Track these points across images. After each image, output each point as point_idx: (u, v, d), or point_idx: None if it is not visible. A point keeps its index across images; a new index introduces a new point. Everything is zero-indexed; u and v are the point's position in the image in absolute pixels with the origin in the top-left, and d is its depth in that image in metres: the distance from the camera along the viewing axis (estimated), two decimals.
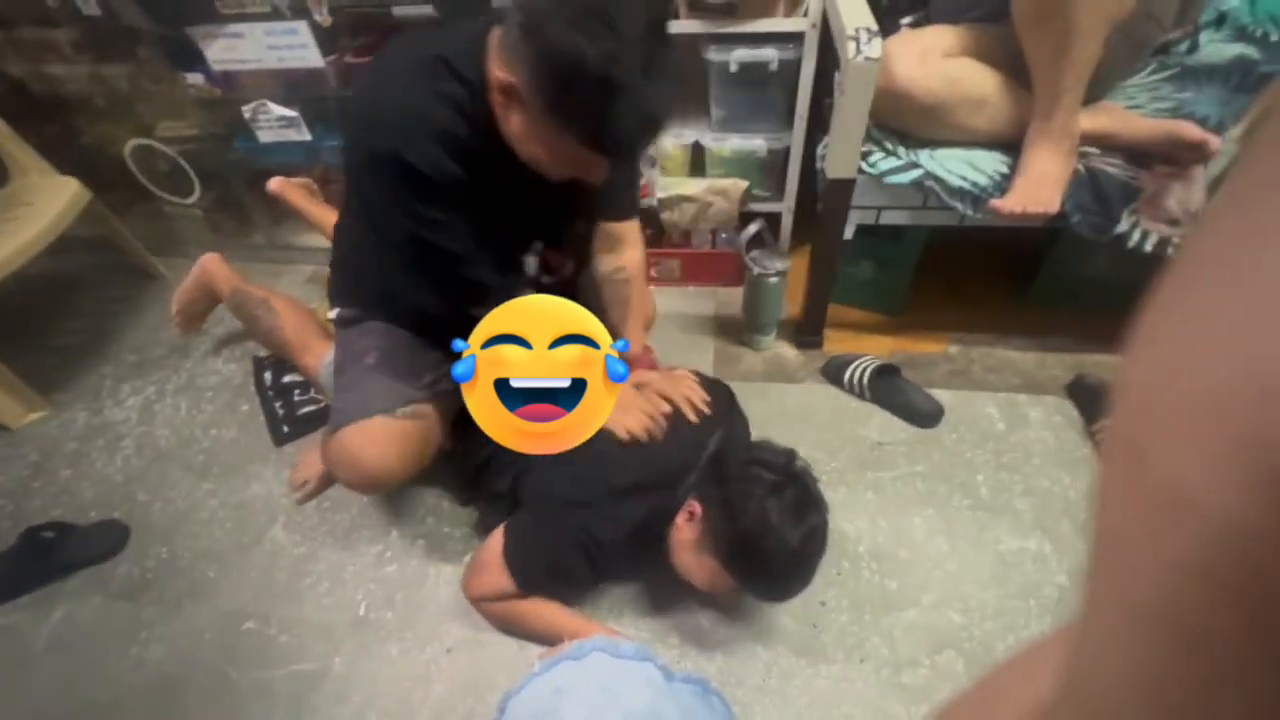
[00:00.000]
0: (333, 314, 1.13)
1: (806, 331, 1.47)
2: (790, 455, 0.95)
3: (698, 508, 0.93)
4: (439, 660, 1.04)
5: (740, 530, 0.87)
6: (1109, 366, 1.37)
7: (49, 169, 1.54)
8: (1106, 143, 1.13)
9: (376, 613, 1.10)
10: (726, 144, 1.48)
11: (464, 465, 1.17)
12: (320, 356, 1.25)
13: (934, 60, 1.11)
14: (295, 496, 1.25)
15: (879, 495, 1.21)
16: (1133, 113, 1.16)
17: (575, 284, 1.13)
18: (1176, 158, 1.09)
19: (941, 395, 1.34)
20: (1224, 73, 1.20)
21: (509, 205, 0.92)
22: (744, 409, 1.17)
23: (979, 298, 1.54)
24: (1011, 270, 1.58)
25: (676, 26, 1.31)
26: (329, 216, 1.34)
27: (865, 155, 1.18)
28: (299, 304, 1.39)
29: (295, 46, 1.37)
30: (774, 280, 1.38)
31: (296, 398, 1.43)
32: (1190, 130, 1.07)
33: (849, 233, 1.28)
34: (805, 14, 1.27)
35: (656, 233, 1.64)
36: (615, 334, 0.87)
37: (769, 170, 1.53)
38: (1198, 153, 1.07)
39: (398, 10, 1.33)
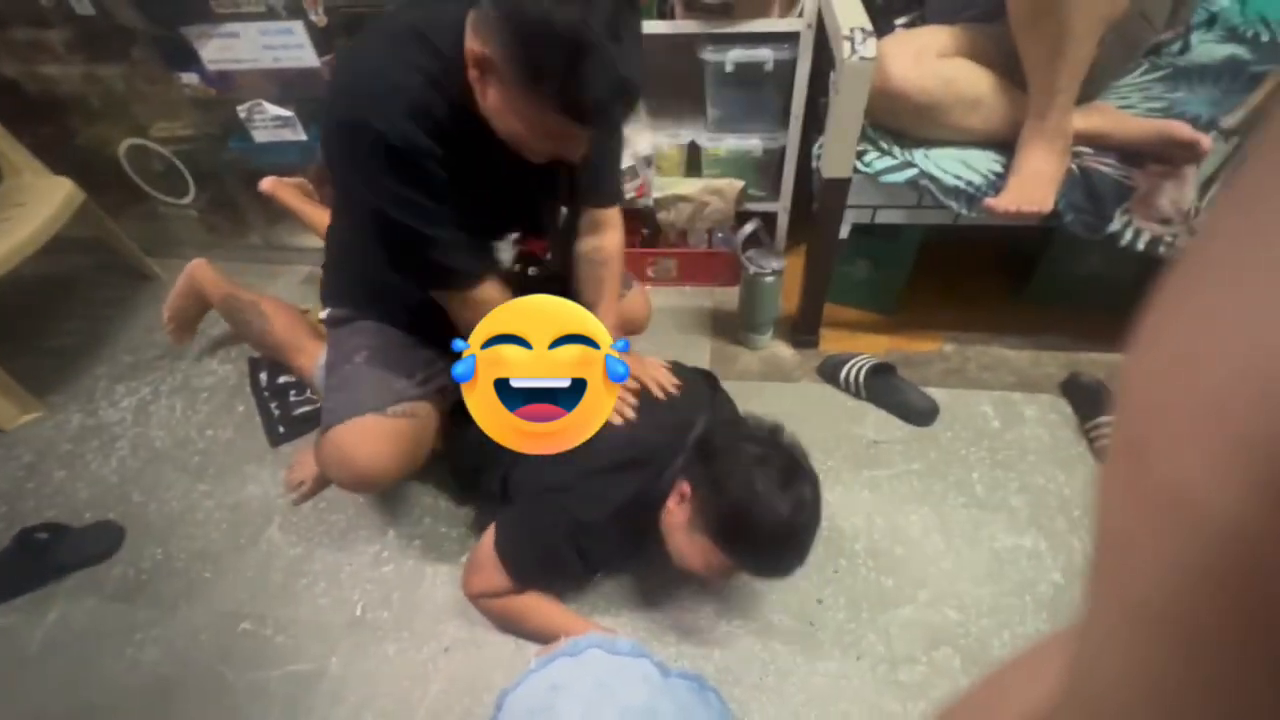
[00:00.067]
0: (324, 314, 1.12)
1: (802, 331, 1.48)
2: (776, 428, 0.95)
3: (687, 488, 0.93)
4: (436, 660, 1.03)
5: (727, 502, 0.87)
6: (1103, 365, 1.38)
7: (43, 169, 1.53)
8: (1099, 142, 1.14)
9: (373, 613, 1.09)
10: (722, 144, 1.49)
11: (459, 467, 1.17)
12: (314, 357, 1.25)
13: (928, 60, 1.12)
14: (291, 497, 1.25)
15: (875, 493, 1.22)
16: (1125, 112, 1.17)
17: (565, 278, 1.13)
18: (1169, 157, 1.10)
19: (937, 394, 1.35)
20: (1215, 73, 1.21)
21: (484, 189, 0.89)
22: (741, 408, 1.17)
23: (974, 296, 1.55)
24: (1006, 269, 1.59)
25: (672, 27, 1.31)
26: (322, 216, 1.34)
27: (860, 155, 1.18)
28: (289, 306, 1.38)
29: (290, 46, 1.37)
30: (770, 280, 1.38)
31: (292, 398, 1.42)
32: (1182, 130, 1.07)
33: (844, 232, 1.28)
34: (800, 14, 1.28)
35: (653, 233, 1.64)
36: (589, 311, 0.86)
37: (765, 170, 1.53)
38: (1189, 152, 1.08)
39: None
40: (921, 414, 1.32)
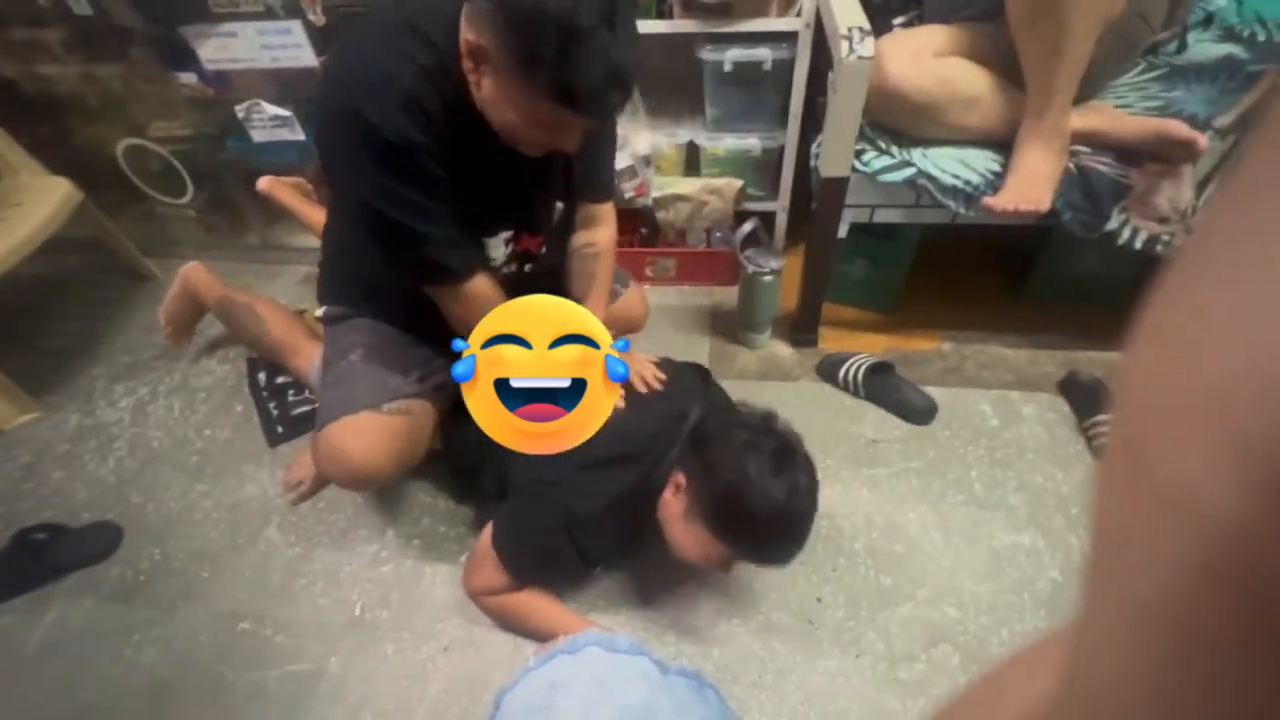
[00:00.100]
0: (320, 312, 1.12)
1: (801, 330, 1.48)
2: (769, 414, 0.95)
3: (682, 479, 0.93)
4: (435, 659, 1.03)
5: (720, 488, 0.86)
6: (1101, 363, 1.38)
7: (40, 169, 1.53)
8: (1097, 141, 1.14)
9: (372, 612, 1.09)
10: (721, 143, 1.49)
11: (457, 466, 1.17)
12: (310, 358, 1.25)
13: (926, 60, 1.12)
14: (290, 497, 1.25)
15: (874, 492, 1.22)
16: (1122, 112, 1.17)
17: (559, 275, 1.13)
18: (1166, 156, 1.10)
19: (935, 392, 1.35)
20: (1212, 72, 1.21)
21: (479, 183, 0.89)
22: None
23: (972, 295, 1.55)
24: (1004, 268, 1.59)
25: (671, 26, 1.31)
26: (320, 216, 1.34)
27: (859, 154, 1.18)
28: (285, 308, 1.38)
29: (289, 46, 1.37)
30: (769, 279, 1.38)
31: (291, 398, 1.42)
32: (1179, 129, 1.08)
33: (843, 231, 1.28)
34: (799, 14, 1.28)
35: (651, 232, 1.64)
36: (578, 304, 0.86)
37: (763, 169, 1.54)
38: (1186, 151, 1.08)
39: None
40: (920, 413, 1.32)
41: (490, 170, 0.88)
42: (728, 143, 1.48)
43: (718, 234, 1.62)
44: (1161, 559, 0.12)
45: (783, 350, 1.49)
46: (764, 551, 0.92)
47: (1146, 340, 0.14)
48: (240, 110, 1.48)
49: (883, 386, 1.35)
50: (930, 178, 1.16)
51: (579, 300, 0.89)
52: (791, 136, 1.43)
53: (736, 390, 1.20)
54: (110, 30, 1.41)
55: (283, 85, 1.46)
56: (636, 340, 1.24)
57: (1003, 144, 1.15)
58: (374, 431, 0.98)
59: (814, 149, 1.27)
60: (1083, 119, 1.12)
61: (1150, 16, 1.14)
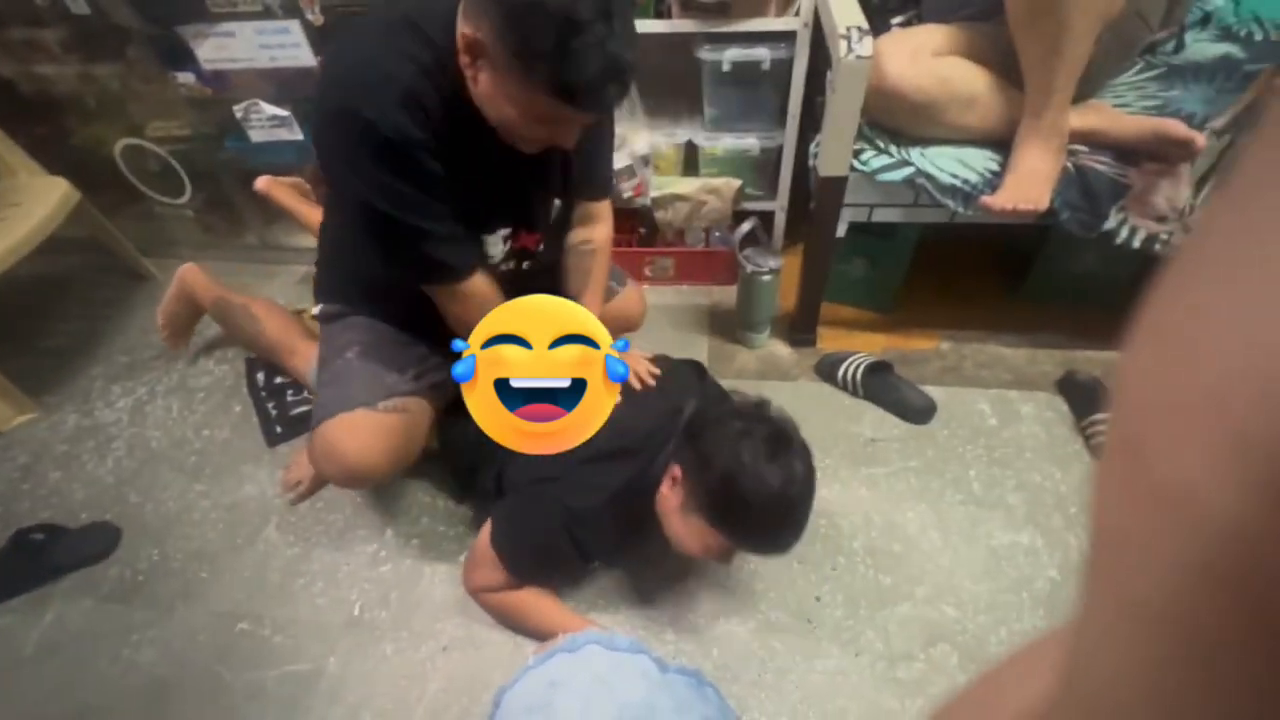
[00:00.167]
0: (316, 309, 1.12)
1: (800, 329, 1.48)
2: (762, 402, 0.94)
3: (678, 471, 0.93)
4: (434, 659, 1.03)
5: (715, 477, 0.86)
6: (1099, 362, 1.38)
7: (38, 169, 1.52)
8: (1095, 140, 1.15)
9: (371, 612, 1.09)
10: (719, 143, 1.49)
11: (455, 466, 1.17)
12: (308, 358, 1.24)
13: (925, 59, 1.12)
14: (288, 497, 1.25)
15: (873, 491, 1.22)
16: (1120, 111, 1.17)
17: (557, 272, 1.13)
18: (1164, 155, 1.10)
19: (934, 392, 1.35)
20: (1209, 71, 1.21)
21: (476, 181, 0.89)
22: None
23: (970, 295, 1.55)
24: (1002, 267, 1.59)
25: (669, 26, 1.31)
26: (318, 216, 1.33)
27: (857, 153, 1.19)
28: (282, 308, 1.38)
29: (287, 46, 1.36)
30: (767, 278, 1.38)
31: (289, 398, 1.42)
32: (1176, 128, 1.08)
33: (841, 230, 1.29)
34: (797, 13, 1.28)
35: (650, 232, 1.64)
36: (573, 300, 0.86)
37: (762, 169, 1.54)
38: (1184, 150, 1.08)
39: None
40: (919, 412, 1.33)
41: (488, 167, 0.88)
42: (726, 142, 1.48)
43: (716, 233, 1.62)
44: (1160, 558, 0.12)
45: (781, 350, 1.50)
46: (762, 539, 0.91)
47: (1145, 339, 0.14)
48: (238, 110, 1.47)
49: (881, 386, 1.35)
50: (929, 177, 1.16)
51: (574, 297, 0.89)
52: (790, 136, 1.43)
53: (734, 389, 1.20)
54: (108, 30, 1.41)
55: (281, 85, 1.46)
56: (634, 339, 1.24)
57: (1001, 143, 1.15)
58: (370, 429, 0.98)
59: (812, 148, 1.27)
60: (1081, 118, 1.12)
61: (1148, 15, 1.14)
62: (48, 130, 1.61)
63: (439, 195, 0.85)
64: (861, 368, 1.36)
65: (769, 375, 1.44)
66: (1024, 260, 1.50)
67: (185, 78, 1.46)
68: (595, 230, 1.09)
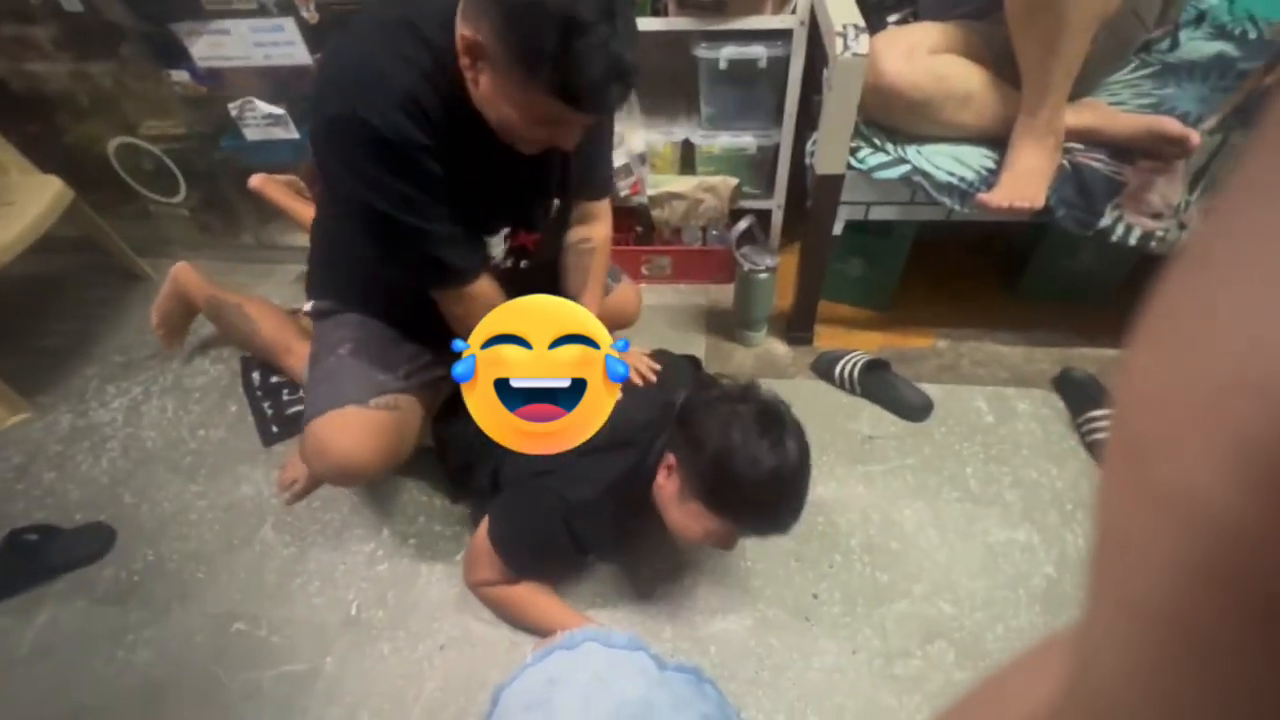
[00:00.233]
0: (308, 306, 1.11)
1: (797, 327, 1.48)
2: (750, 383, 0.94)
3: (673, 459, 0.93)
4: (432, 658, 1.03)
5: (707, 459, 0.86)
6: (1095, 360, 1.39)
7: (31, 168, 1.51)
8: (1090, 138, 1.15)
9: (368, 612, 1.09)
10: (716, 141, 1.49)
11: (451, 466, 1.17)
12: (302, 358, 1.24)
13: (921, 57, 1.12)
14: (284, 496, 1.24)
15: (870, 488, 1.22)
16: (1116, 109, 1.18)
17: (556, 272, 1.12)
18: (1159, 153, 1.11)
19: (931, 389, 1.35)
20: (1204, 69, 1.22)
21: (476, 182, 0.88)
22: None
23: (967, 293, 1.56)
24: (999, 265, 1.59)
25: (666, 24, 1.31)
26: (312, 213, 1.33)
27: (854, 151, 1.19)
28: (276, 307, 1.38)
29: (282, 43, 1.36)
30: (764, 277, 1.38)
31: (285, 397, 1.41)
32: (1171, 125, 1.08)
33: (838, 228, 1.29)
34: (794, 11, 1.28)
35: (647, 230, 1.64)
36: (572, 299, 0.85)
37: (759, 167, 1.54)
38: (1179, 147, 1.09)
39: None
40: (915, 409, 1.33)
41: (488, 168, 0.88)
42: (723, 140, 1.48)
43: (713, 232, 1.62)
44: (1161, 558, 0.12)
45: (778, 348, 1.50)
46: (761, 518, 0.90)
47: (1146, 339, 0.13)
48: (233, 108, 1.47)
49: (878, 383, 1.36)
50: (925, 175, 1.16)
51: (573, 296, 0.88)
52: (787, 134, 1.43)
53: None
54: (101, 27, 1.40)
55: (276, 83, 1.45)
56: (631, 338, 1.24)
57: (997, 141, 1.15)
58: (361, 426, 0.98)
59: (809, 146, 1.27)
60: (1077, 116, 1.13)
61: (1144, 14, 1.14)
62: (40, 128, 1.59)
63: (440, 196, 0.85)
64: (858, 365, 1.36)
65: (766, 373, 1.44)
66: (1020, 258, 1.50)
67: (179, 76, 1.45)
68: (594, 229, 1.09)
